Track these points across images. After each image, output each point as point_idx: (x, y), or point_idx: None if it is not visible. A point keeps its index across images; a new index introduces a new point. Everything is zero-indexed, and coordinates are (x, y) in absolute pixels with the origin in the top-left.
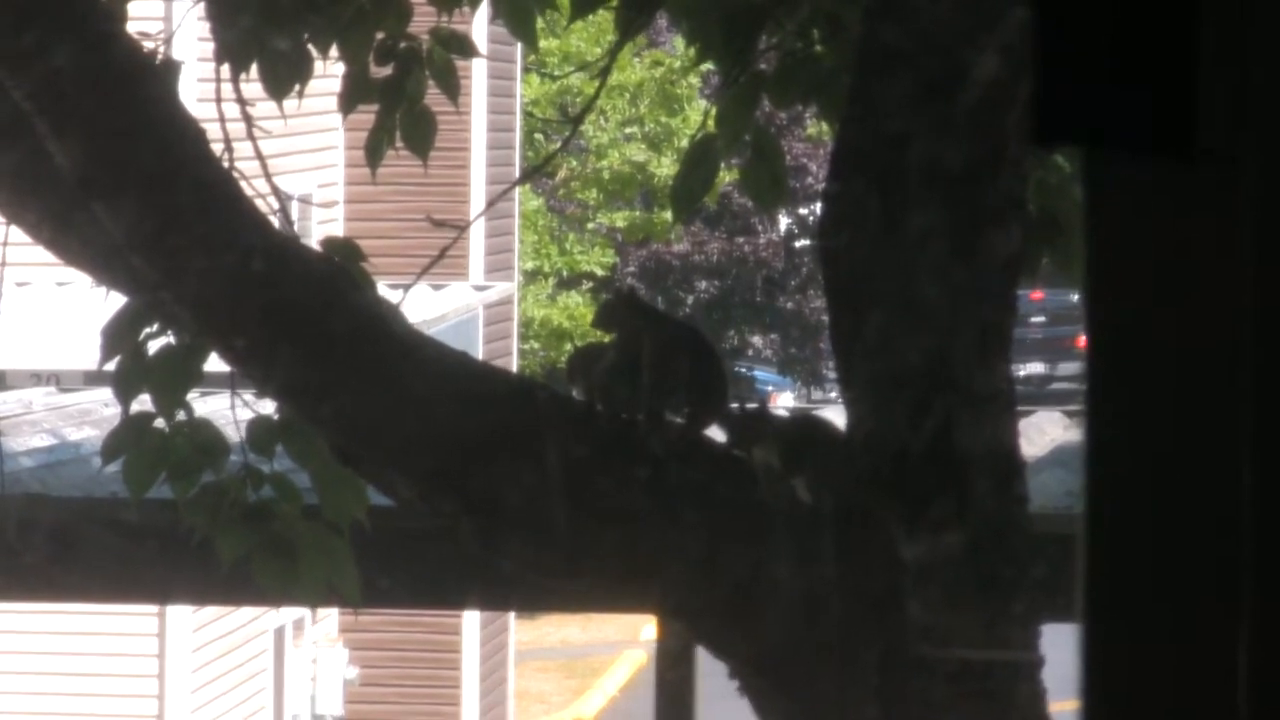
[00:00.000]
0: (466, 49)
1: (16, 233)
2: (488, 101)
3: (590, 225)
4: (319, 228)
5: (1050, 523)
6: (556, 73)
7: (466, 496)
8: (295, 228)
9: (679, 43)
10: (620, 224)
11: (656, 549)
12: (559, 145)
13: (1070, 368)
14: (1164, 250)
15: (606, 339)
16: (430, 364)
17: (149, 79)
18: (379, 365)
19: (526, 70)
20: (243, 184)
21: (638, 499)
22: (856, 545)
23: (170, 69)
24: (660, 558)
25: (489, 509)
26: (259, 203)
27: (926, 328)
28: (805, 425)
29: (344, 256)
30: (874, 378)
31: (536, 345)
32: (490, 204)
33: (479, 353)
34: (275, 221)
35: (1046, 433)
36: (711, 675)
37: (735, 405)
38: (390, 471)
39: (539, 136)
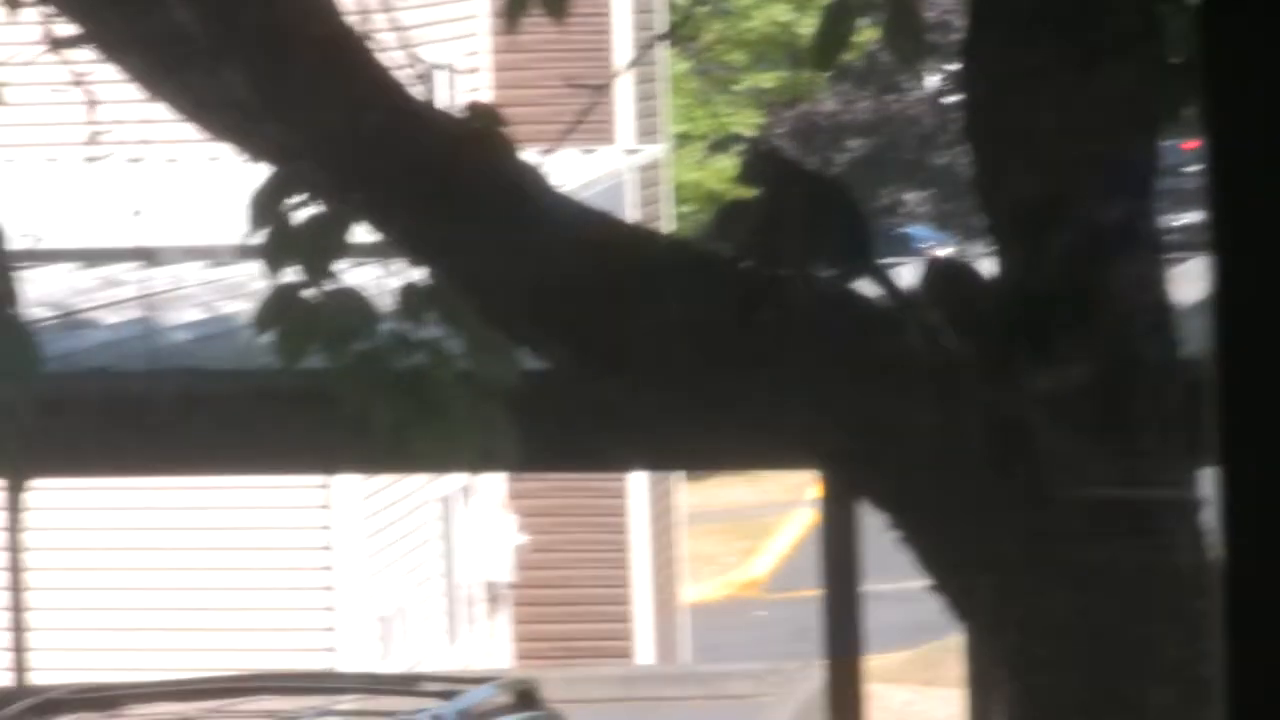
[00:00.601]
0: None
1: (164, 109)
2: None
3: (738, 87)
4: (466, 96)
5: (1198, 368)
6: None
7: (601, 344)
8: (437, 96)
9: None
10: (768, 85)
11: (799, 396)
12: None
13: None
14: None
15: (753, 196)
16: (570, 221)
17: None
18: (513, 223)
19: None
20: (382, 53)
21: (781, 348)
22: (991, 383)
23: None
24: (801, 404)
25: (625, 357)
26: (399, 73)
27: (1051, 166)
28: (947, 270)
29: (485, 121)
30: (1007, 218)
31: (687, 209)
32: (628, 65)
33: (628, 217)
34: (412, 89)
35: (1200, 280)
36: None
37: (883, 259)
38: (526, 324)
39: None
